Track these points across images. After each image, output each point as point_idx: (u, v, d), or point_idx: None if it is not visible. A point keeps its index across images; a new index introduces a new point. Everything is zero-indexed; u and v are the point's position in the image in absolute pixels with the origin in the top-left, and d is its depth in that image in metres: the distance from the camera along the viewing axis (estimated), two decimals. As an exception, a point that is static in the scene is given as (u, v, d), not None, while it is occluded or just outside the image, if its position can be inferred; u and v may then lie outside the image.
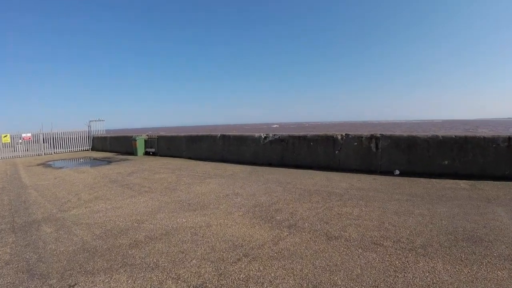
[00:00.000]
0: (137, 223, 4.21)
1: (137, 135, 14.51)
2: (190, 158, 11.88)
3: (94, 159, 13.79)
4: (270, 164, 9.30)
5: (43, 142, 17.59)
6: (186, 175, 8.00)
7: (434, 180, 6.40)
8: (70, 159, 14.03)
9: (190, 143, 12.16)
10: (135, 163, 10.96)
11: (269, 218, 4.23)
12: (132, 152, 14.36)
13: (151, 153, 13.84)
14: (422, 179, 6.47)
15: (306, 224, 3.92)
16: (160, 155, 13.35)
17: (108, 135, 18.13)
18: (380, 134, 7.59)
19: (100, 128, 19.94)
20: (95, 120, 19.75)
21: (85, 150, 19.20)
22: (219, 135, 10.98)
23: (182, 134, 12.57)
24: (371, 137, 7.60)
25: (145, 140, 14.07)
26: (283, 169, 8.46)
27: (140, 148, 13.95)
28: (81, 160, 13.73)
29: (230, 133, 10.77)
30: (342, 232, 3.60)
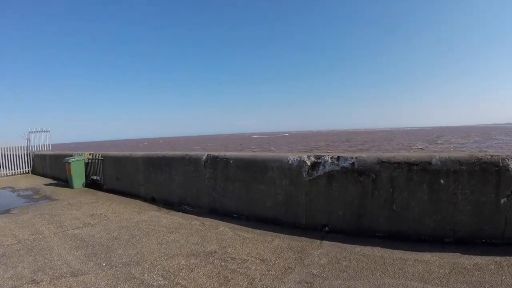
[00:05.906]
0: None
1: (77, 154, 8.96)
2: (152, 199, 6.28)
3: (11, 192, 8.52)
4: (323, 228, 3.87)
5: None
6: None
7: None
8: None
9: (150, 170, 6.33)
10: (43, 216, 5.39)
11: None
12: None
13: (97, 182, 8.30)
14: None
15: None
16: (107, 189, 7.78)
17: (48, 153, 12.44)
18: None
19: (44, 142, 14.27)
20: (36, 131, 14.10)
21: (24, 173, 13.63)
22: (204, 157, 5.20)
23: (139, 153, 6.73)
24: None
25: (85, 163, 8.48)
26: (377, 250, 3.10)
27: (78, 175, 8.30)
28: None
29: (228, 154, 4.93)
30: None
